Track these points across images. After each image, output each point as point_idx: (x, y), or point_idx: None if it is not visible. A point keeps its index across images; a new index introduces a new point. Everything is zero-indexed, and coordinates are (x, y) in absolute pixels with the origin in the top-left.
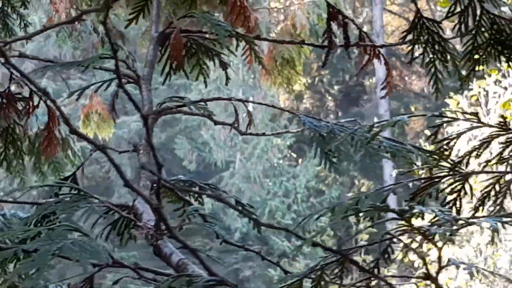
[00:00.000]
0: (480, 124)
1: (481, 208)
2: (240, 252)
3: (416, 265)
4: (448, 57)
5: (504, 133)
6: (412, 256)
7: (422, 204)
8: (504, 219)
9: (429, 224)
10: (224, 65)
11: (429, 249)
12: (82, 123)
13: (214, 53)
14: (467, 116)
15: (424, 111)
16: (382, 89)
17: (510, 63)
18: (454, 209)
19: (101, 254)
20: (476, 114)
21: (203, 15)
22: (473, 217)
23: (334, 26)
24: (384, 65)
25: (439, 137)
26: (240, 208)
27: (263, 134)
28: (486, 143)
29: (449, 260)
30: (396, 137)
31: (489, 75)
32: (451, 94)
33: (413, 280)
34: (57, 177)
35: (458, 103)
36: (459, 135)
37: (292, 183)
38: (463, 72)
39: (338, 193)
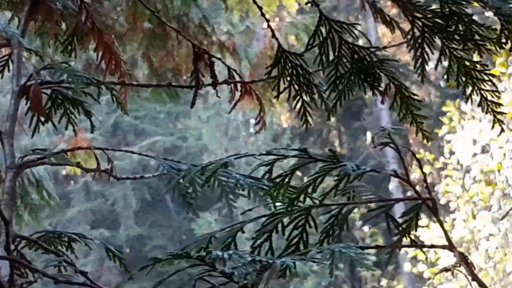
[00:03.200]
0: (311, 159)
1: (326, 240)
2: None
3: (425, 275)
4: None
5: (335, 166)
6: (420, 267)
7: (270, 241)
8: (304, 257)
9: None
10: (88, 114)
11: (437, 259)
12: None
13: (78, 102)
14: (297, 152)
15: (425, 120)
16: (256, 124)
17: (374, 90)
18: (301, 243)
19: None
20: (304, 149)
21: (60, 66)
22: (281, 255)
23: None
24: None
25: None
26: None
27: (134, 178)
28: (319, 177)
29: None
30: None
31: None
32: (447, 101)
33: None
34: (34, 219)
35: (458, 108)
36: (293, 171)
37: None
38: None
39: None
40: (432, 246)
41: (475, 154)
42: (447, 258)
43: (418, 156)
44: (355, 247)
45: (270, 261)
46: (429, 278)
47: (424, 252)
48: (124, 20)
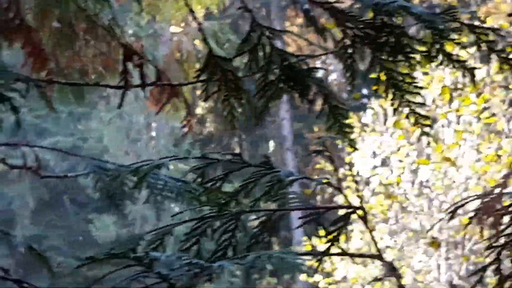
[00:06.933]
0: (244, 165)
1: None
2: None
3: (320, 286)
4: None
5: (268, 172)
6: (316, 277)
7: (199, 244)
8: (241, 261)
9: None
10: (15, 110)
11: (333, 270)
12: None
13: (6, 98)
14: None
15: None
16: (183, 127)
17: (303, 97)
18: (230, 247)
19: None
20: (238, 154)
21: None
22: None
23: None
24: None
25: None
26: None
27: (65, 176)
28: (251, 182)
29: None
30: (299, 157)
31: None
32: (349, 114)
33: None
34: None
35: (360, 120)
36: (225, 176)
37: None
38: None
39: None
40: (361, 256)
41: (375, 167)
42: (343, 270)
43: (318, 166)
44: (292, 253)
45: (207, 265)
46: None
47: (320, 262)
48: (32, 18)
